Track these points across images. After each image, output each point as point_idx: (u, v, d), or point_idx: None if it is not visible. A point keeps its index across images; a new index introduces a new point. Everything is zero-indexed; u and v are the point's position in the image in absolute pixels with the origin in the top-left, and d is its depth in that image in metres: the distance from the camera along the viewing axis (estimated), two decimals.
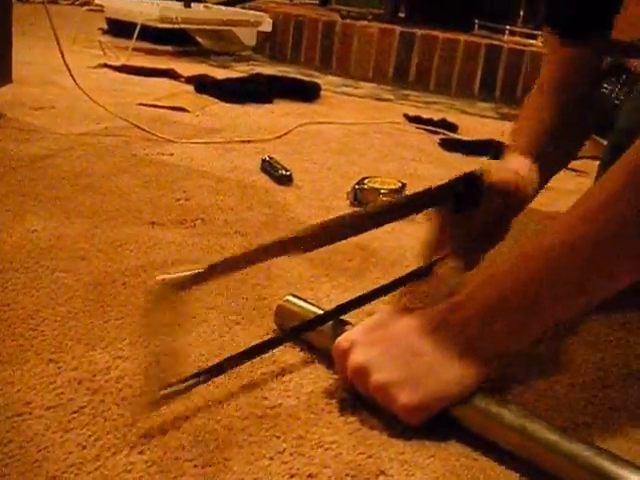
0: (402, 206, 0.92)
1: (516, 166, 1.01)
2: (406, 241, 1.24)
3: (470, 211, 0.97)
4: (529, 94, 1.14)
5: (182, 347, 0.82)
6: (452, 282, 1.01)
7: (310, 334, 0.85)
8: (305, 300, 0.90)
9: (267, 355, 0.82)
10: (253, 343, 0.83)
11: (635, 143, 0.73)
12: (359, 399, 0.75)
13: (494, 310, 0.73)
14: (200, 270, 0.71)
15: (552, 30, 1.11)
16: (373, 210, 0.89)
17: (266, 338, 0.85)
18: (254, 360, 0.80)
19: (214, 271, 0.73)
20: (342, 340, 0.76)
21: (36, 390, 0.72)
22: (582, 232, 0.72)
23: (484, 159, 1.91)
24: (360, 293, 0.94)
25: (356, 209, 1.26)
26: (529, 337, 0.76)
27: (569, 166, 1.52)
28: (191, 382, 0.74)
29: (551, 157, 1.07)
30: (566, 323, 0.90)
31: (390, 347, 0.74)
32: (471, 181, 0.96)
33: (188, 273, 0.70)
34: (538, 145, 1.06)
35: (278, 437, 0.69)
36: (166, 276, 0.70)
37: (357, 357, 0.74)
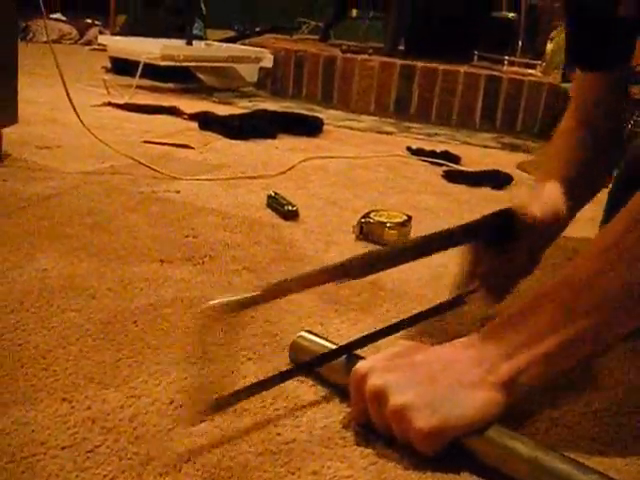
0: (442, 239, 0.93)
1: (551, 197, 1.03)
2: (413, 274, 1.24)
3: (504, 245, 0.98)
4: (559, 126, 1.15)
5: (193, 385, 0.82)
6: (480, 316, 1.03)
7: (323, 369, 0.85)
8: (319, 336, 0.90)
9: (279, 391, 0.82)
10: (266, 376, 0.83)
11: None
12: (373, 432, 0.76)
13: (510, 347, 0.74)
14: (255, 294, 0.74)
15: (576, 65, 1.12)
16: (414, 243, 0.91)
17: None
18: (267, 396, 0.81)
19: (267, 295, 0.76)
20: (361, 366, 0.77)
21: (50, 430, 0.72)
22: (595, 270, 0.73)
23: (488, 189, 1.93)
24: (371, 327, 0.94)
25: (377, 247, 1.27)
26: (549, 372, 0.76)
27: None
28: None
29: (580, 189, 1.08)
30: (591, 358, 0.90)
31: (409, 373, 0.74)
32: (507, 216, 0.98)
33: (240, 297, 0.73)
34: (569, 176, 1.07)
35: (293, 473, 0.69)
36: (216, 301, 0.73)
37: (376, 381, 0.74)
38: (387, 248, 0.86)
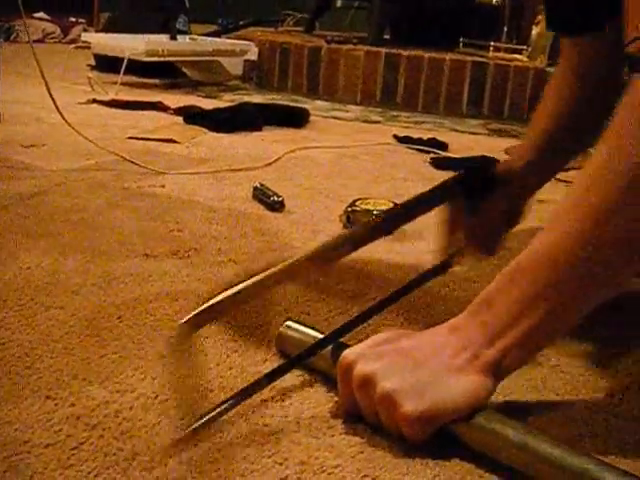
0: (418, 203, 0.93)
1: (521, 148, 1.03)
2: (399, 259, 1.24)
3: (480, 198, 0.98)
4: (548, 84, 1.14)
5: (178, 379, 0.82)
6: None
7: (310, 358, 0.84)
8: (305, 324, 0.89)
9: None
10: (254, 372, 0.82)
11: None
12: (361, 421, 0.75)
13: (492, 331, 0.73)
14: (211, 303, 0.73)
15: (556, 32, 1.12)
16: (392, 213, 0.90)
17: (269, 368, 0.84)
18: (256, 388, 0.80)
19: (226, 303, 0.75)
20: (348, 353, 0.76)
21: (34, 428, 0.71)
22: (557, 241, 0.73)
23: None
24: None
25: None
26: (530, 352, 0.76)
27: (561, 178, 1.52)
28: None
29: (565, 141, 1.07)
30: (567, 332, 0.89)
31: (396, 359, 0.74)
32: (480, 170, 0.97)
33: (200, 309, 0.72)
34: (549, 128, 1.07)
35: (280, 464, 0.68)
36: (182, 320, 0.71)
37: (363, 367, 0.73)
38: (364, 225, 0.86)
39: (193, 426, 0.71)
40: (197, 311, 0.73)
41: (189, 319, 0.71)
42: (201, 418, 0.72)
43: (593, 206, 0.71)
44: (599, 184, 0.71)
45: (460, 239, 1.01)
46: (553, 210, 0.75)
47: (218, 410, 0.74)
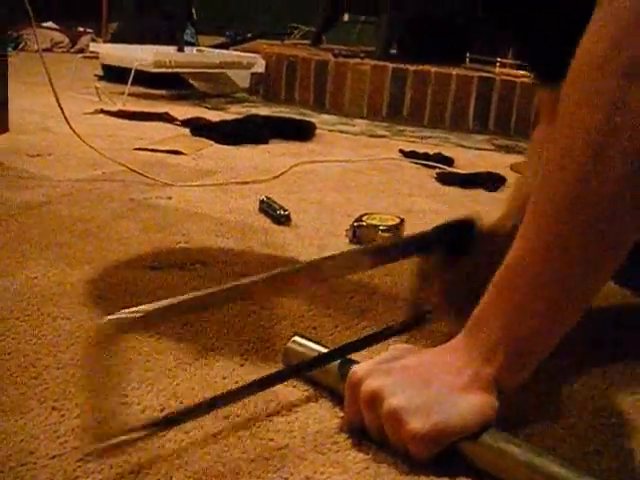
0: (394, 249, 0.92)
1: (510, 206, 1.02)
2: (406, 276, 1.23)
3: (462, 257, 0.96)
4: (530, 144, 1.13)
5: (185, 392, 0.82)
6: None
7: (316, 373, 0.85)
8: (313, 340, 0.90)
9: (272, 396, 0.81)
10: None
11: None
12: (366, 437, 0.75)
13: (487, 350, 0.73)
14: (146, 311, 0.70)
15: (537, 77, 1.11)
16: (363, 252, 0.89)
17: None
18: (259, 401, 0.80)
19: (165, 313, 0.73)
20: (357, 369, 0.76)
21: (40, 439, 0.71)
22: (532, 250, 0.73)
23: (481, 190, 1.93)
24: (365, 331, 0.94)
25: (355, 247, 1.27)
26: (528, 366, 0.75)
27: None
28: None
29: None
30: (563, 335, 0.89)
31: (405, 376, 0.74)
32: (464, 226, 0.96)
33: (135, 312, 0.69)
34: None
35: (286, 479, 0.68)
36: (112, 316, 0.67)
37: (371, 384, 0.74)
38: (333, 257, 0.84)
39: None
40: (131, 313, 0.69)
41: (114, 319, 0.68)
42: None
43: (551, 209, 0.71)
44: (552, 185, 0.71)
45: (437, 293, 0.99)
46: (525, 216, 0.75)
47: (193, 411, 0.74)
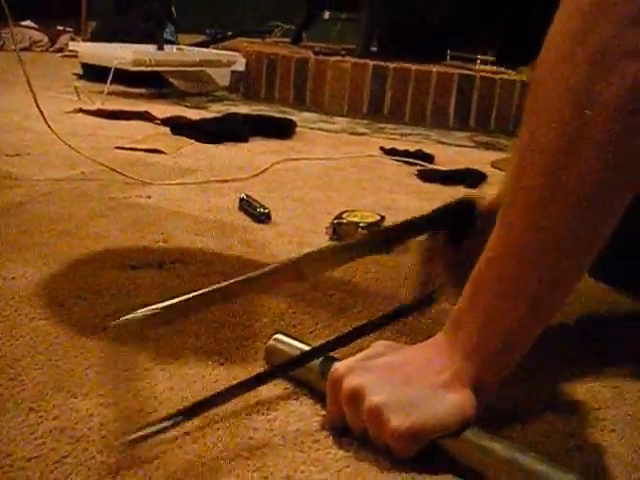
0: (397, 232, 0.92)
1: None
2: (385, 273, 1.23)
3: (464, 236, 0.97)
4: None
5: (163, 391, 0.81)
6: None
7: (297, 371, 0.84)
8: (294, 338, 0.89)
9: (252, 394, 0.81)
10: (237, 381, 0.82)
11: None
12: (347, 435, 0.75)
13: (466, 349, 0.73)
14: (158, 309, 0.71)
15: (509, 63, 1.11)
16: (364, 239, 0.89)
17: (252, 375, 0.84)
18: (239, 399, 0.79)
19: (176, 311, 0.73)
20: (338, 366, 0.76)
21: (17, 441, 0.70)
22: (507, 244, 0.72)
23: (462, 187, 1.93)
24: (345, 328, 0.94)
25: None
26: (507, 363, 0.75)
27: None
28: (168, 423, 0.73)
29: None
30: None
31: (386, 373, 0.74)
32: (465, 206, 0.96)
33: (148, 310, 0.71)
34: None
35: (266, 478, 0.68)
36: (129, 316, 0.69)
37: (352, 381, 0.73)
38: (336, 245, 0.85)
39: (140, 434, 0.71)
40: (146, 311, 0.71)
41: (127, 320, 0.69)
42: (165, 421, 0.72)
43: (522, 203, 0.70)
44: (523, 178, 0.70)
45: (441, 274, 1.00)
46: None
47: (172, 421, 0.73)
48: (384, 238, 0.91)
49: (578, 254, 0.71)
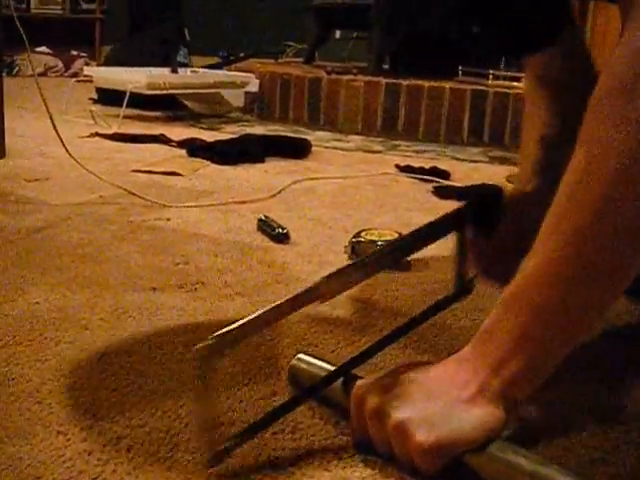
0: (424, 233, 0.93)
1: (522, 168, 1.03)
2: (405, 290, 1.24)
3: (491, 225, 0.98)
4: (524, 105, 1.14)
5: (190, 412, 0.82)
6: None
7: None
8: (317, 357, 0.90)
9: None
10: (264, 405, 0.83)
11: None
12: (372, 452, 0.75)
13: (495, 362, 0.74)
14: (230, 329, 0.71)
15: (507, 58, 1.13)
16: (398, 242, 0.90)
17: (279, 401, 0.85)
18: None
19: (248, 329, 0.73)
20: (361, 384, 0.77)
21: (46, 464, 0.71)
22: (548, 261, 0.73)
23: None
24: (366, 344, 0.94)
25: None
26: (536, 379, 0.76)
27: None
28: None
29: (567, 151, 1.07)
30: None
31: (409, 390, 0.74)
32: (492, 198, 0.97)
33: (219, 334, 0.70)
34: (544, 151, 1.06)
35: None
36: (206, 342, 0.70)
37: (376, 398, 0.74)
38: (375, 252, 0.85)
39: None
40: (218, 334, 0.71)
41: (209, 344, 0.70)
42: (211, 453, 0.73)
43: (571, 226, 0.71)
44: (575, 201, 0.71)
45: (474, 264, 1.00)
46: (541, 228, 0.75)
47: (228, 444, 0.74)
48: (412, 241, 0.92)
49: (621, 281, 0.72)
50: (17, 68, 4.88)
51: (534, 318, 0.73)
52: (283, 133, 2.97)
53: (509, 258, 1.03)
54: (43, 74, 4.96)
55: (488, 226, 0.98)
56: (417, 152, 2.85)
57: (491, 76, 3.53)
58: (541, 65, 1.09)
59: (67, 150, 1.74)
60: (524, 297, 0.74)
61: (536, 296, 0.73)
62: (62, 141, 1.72)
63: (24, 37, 1.72)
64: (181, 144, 2.55)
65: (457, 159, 2.75)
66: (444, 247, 0.97)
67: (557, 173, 1.06)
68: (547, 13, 1.01)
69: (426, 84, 3.20)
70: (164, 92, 3.21)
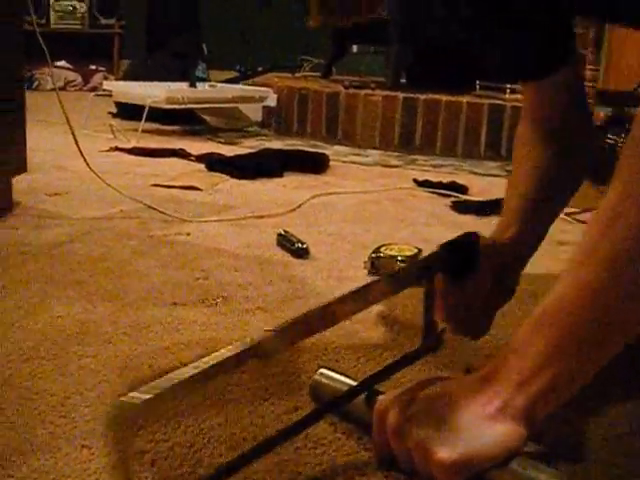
0: (400, 278, 0.91)
1: (503, 220, 1.03)
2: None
3: (466, 275, 0.97)
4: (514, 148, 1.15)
5: (212, 427, 0.82)
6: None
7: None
8: (338, 372, 0.90)
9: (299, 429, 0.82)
10: (286, 419, 0.83)
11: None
12: (394, 468, 0.75)
13: (520, 380, 0.74)
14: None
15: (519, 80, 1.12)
16: (369, 286, 0.86)
17: (300, 416, 0.85)
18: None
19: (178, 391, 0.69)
20: (383, 400, 0.77)
21: (71, 478, 0.72)
22: (581, 285, 0.73)
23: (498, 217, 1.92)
24: (388, 361, 0.94)
25: (373, 278, 1.27)
26: (560, 398, 0.76)
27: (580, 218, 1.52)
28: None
29: (546, 202, 1.07)
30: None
31: (432, 406, 0.74)
32: (463, 244, 0.96)
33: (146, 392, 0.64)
34: (529, 196, 1.05)
35: None
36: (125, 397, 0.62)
37: (398, 414, 0.74)
38: (344, 296, 0.81)
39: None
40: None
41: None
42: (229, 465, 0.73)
43: (607, 255, 0.72)
44: (611, 233, 0.72)
45: (447, 317, 0.99)
46: (572, 255, 0.76)
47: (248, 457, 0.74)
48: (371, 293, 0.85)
49: None
50: (37, 82, 4.92)
51: (565, 336, 0.73)
52: (301, 147, 2.97)
53: (482, 310, 1.02)
54: (62, 88, 5.00)
55: (459, 275, 0.96)
56: (435, 166, 2.85)
57: (509, 90, 3.53)
58: (538, 104, 1.09)
59: (88, 164, 1.75)
60: (556, 317, 0.74)
61: (568, 316, 0.74)
62: (83, 155, 1.73)
63: (46, 52, 1.73)
64: (200, 158, 2.56)
65: (475, 173, 2.75)
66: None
67: (542, 217, 1.06)
68: (550, 40, 1.01)
69: (444, 98, 3.20)
70: (183, 106, 3.23)
